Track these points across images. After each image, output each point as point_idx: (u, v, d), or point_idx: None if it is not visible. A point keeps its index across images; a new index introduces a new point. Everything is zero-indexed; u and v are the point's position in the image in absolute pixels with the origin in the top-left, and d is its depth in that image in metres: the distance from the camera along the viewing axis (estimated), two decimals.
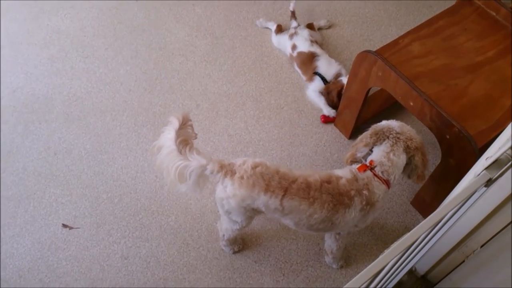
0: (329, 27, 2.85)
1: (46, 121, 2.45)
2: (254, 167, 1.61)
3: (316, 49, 2.58)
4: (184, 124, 1.66)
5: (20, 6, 2.91)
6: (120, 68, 2.66)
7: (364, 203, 1.63)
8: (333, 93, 2.41)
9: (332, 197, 1.60)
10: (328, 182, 1.62)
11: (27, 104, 2.51)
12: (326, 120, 2.47)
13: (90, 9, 2.91)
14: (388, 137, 1.69)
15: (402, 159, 1.68)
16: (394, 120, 1.77)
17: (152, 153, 1.68)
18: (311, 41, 2.60)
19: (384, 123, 1.76)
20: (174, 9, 2.92)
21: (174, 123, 1.64)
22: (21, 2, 2.92)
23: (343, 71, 2.50)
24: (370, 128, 1.76)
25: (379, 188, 1.64)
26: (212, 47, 2.76)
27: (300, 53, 2.59)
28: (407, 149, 1.68)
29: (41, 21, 2.85)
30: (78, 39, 2.78)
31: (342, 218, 1.63)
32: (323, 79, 2.51)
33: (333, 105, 2.46)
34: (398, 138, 1.68)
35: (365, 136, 1.74)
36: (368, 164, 1.67)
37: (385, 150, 1.68)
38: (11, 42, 2.75)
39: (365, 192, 1.62)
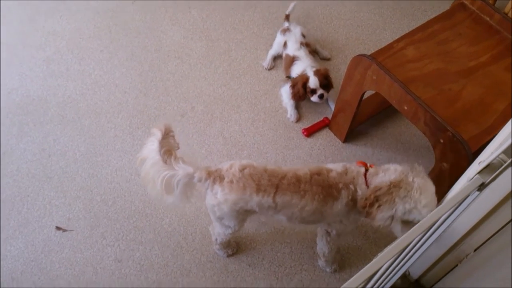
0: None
1: (40, 123, 2.44)
2: (242, 169, 1.61)
3: (301, 52, 2.52)
4: (167, 134, 1.65)
5: (15, 7, 2.91)
6: (115, 70, 2.66)
7: (350, 197, 1.63)
8: (299, 85, 2.39)
9: (322, 188, 1.61)
10: (318, 174, 1.63)
11: (22, 106, 2.50)
12: (309, 132, 2.44)
13: (86, 11, 2.90)
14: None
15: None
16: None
17: (137, 165, 1.66)
18: (301, 43, 2.56)
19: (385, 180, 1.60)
20: (170, 12, 2.92)
21: (157, 134, 1.62)
22: (16, 3, 2.92)
23: (308, 69, 2.42)
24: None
25: (361, 188, 1.63)
26: (207, 49, 2.76)
27: (286, 55, 2.58)
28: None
29: (36, 22, 2.84)
30: (74, 41, 2.77)
31: (330, 210, 1.64)
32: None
33: (300, 97, 2.43)
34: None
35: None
36: (368, 165, 1.68)
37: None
38: (6, 43, 2.74)
39: (351, 186, 1.62)
